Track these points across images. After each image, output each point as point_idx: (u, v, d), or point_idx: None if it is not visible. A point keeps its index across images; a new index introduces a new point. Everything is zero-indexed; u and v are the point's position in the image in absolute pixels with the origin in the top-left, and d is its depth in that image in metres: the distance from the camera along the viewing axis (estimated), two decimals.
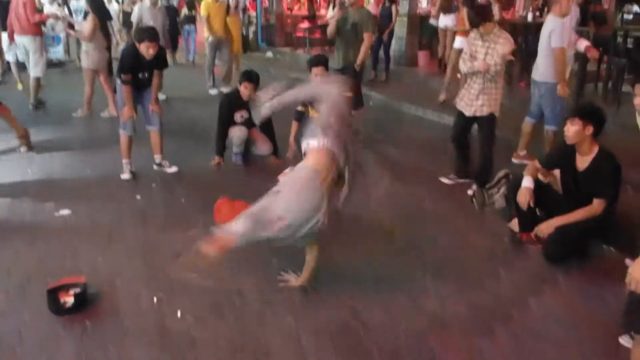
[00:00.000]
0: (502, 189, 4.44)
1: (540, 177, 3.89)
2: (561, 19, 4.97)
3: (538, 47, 5.32)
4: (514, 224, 4.04)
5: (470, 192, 4.81)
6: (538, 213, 3.88)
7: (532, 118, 5.57)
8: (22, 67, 9.25)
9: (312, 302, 3.21)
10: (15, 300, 3.19)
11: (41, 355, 2.71)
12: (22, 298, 3.21)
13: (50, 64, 10.99)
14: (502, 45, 4.52)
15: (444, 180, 5.12)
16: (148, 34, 4.82)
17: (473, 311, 3.14)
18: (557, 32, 4.96)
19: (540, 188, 3.80)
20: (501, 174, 4.63)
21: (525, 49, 9.06)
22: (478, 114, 4.72)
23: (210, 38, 9.08)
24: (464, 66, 4.73)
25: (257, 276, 3.47)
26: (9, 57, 9.38)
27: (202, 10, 9.15)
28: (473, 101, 4.71)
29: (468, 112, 4.77)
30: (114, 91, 6.24)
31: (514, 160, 5.60)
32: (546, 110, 5.34)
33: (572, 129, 3.57)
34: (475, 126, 4.91)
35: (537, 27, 9.39)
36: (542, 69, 5.24)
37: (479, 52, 4.63)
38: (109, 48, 8.16)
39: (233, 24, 9.76)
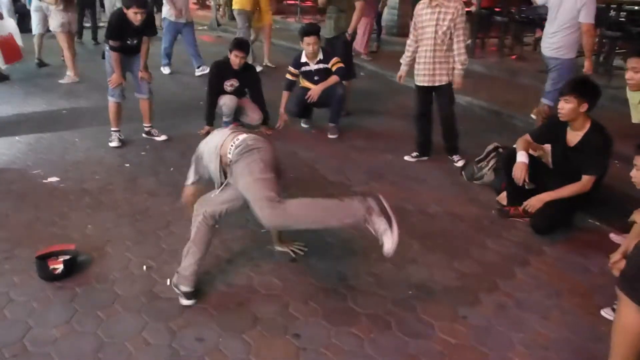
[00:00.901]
0: (492, 162, 4.46)
1: (530, 150, 3.90)
2: None
3: (551, 21, 5.12)
4: (502, 197, 4.08)
5: (457, 164, 4.83)
6: (527, 186, 3.91)
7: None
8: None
9: (301, 268, 3.25)
10: (4, 264, 3.20)
11: (30, 318, 2.72)
12: (10, 262, 3.21)
13: None
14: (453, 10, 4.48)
15: (407, 158, 5.07)
16: (136, 0, 4.72)
17: (460, 280, 3.19)
18: (589, 7, 4.82)
19: (530, 161, 3.82)
20: (490, 147, 4.64)
21: (519, 21, 9.02)
22: (437, 84, 4.69)
23: (237, 9, 8.34)
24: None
25: (246, 243, 3.49)
26: None
27: None
28: (429, 72, 4.67)
29: (426, 84, 4.73)
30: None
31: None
32: (548, 84, 5.28)
33: (566, 107, 3.54)
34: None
35: None
36: (559, 44, 5.05)
37: (427, 21, 4.57)
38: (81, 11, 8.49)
39: None
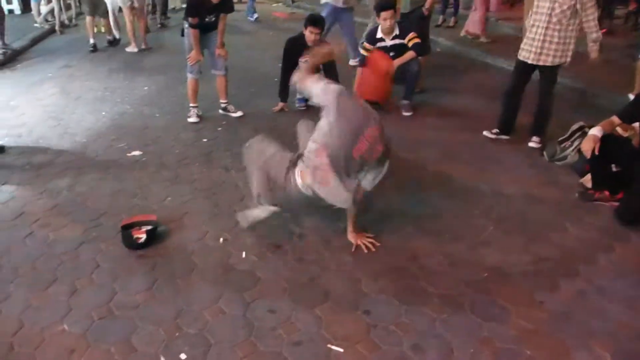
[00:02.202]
0: (576, 143, 4.23)
1: (619, 130, 3.67)
2: None
3: None
4: (587, 180, 3.86)
5: (532, 144, 4.62)
6: (614, 169, 3.69)
7: None
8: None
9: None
10: (91, 231, 3.39)
11: (115, 284, 2.88)
12: (97, 230, 3.41)
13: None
14: None
15: (487, 133, 4.90)
16: None
17: (537, 265, 3.07)
18: None
19: (617, 142, 3.59)
20: (575, 126, 4.40)
21: None
22: (541, 63, 4.41)
23: None
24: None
25: (317, 219, 3.51)
26: None
27: None
28: (537, 49, 4.38)
29: (530, 61, 4.45)
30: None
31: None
32: None
33: None
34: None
35: None
36: None
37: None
38: None
39: None
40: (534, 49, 4.40)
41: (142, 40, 8.60)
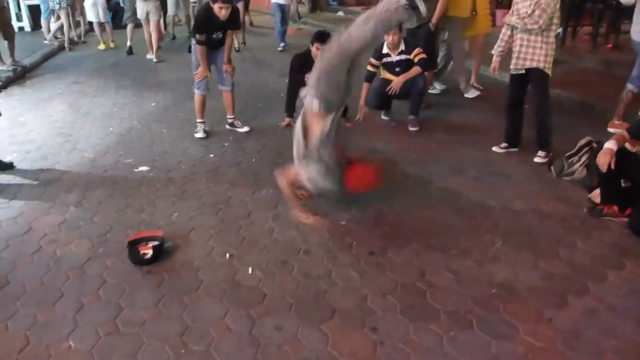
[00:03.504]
0: (584, 158, 4.21)
1: (627, 146, 3.64)
2: None
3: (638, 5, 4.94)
4: (595, 195, 3.83)
5: (537, 159, 4.61)
6: (623, 184, 3.66)
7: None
8: (102, 27, 9.74)
9: (379, 261, 3.22)
10: (98, 247, 3.40)
11: (122, 300, 2.88)
12: (104, 246, 3.41)
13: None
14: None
15: (496, 149, 4.91)
16: None
17: (546, 281, 3.04)
18: None
19: (626, 156, 3.56)
20: (583, 141, 4.38)
21: (616, 7, 8.42)
22: (527, 65, 4.47)
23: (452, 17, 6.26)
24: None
25: (325, 235, 3.50)
26: (91, 17, 9.79)
27: None
28: (519, 54, 4.48)
29: (517, 69, 4.55)
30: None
31: (610, 129, 5.22)
32: (635, 70, 5.07)
33: None
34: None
35: None
36: None
37: (524, 7, 4.37)
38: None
39: None
40: (515, 55, 4.52)
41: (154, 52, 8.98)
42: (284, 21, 9.77)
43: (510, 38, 4.61)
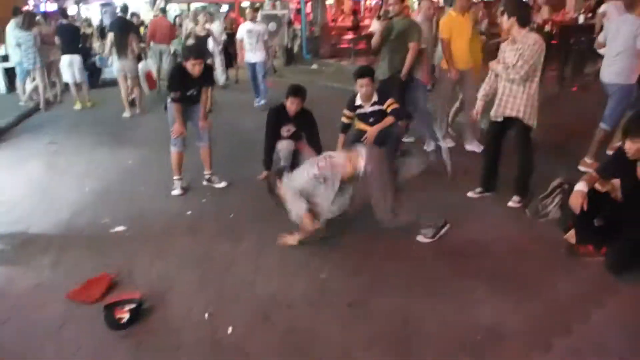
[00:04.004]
0: (557, 199, 4.29)
1: (597, 186, 3.72)
2: None
3: (610, 48, 5.17)
4: (571, 236, 3.88)
5: (511, 203, 4.67)
6: (596, 223, 3.72)
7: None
8: (78, 87, 9.81)
9: (362, 312, 3.18)
10: (74, 311, 3.30)
11: None
12: (80, 309, 3.32)
13: (105, 83, 11.64)
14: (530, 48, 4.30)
15: (471, 194, 4.97)
16: (194, 51, 4.94)
17: (530, 323, 3.03)
18: None
19: (597, 196, 3.63)
20: (555, 183, 4.46)
21: (578, 51, 8.80)
22: (507, 114, 4.51)
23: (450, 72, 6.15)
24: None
25: (306, 288, 3.47)
26: (67, 78, 9.86)
27: (443, 30, 6.11)
28: (500, 101, 4.55)
29: (497, 116, 4.61)
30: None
31: (581, 167, 5.36)
32: (607, 110, 5.25)
33: (633, 147, 3.40)
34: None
35: (589, 28, 9.13)
36: (618, 70, 5.08)
37: (509, 57, 4.46)
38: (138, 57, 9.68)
39: (475, 42, 6.38)
40: (497, 102, 4.59)
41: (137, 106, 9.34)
42: (254, 77, 9.56)
43: (494, 83, 4.68)
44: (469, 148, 6.46)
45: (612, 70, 5.18)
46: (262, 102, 9.50)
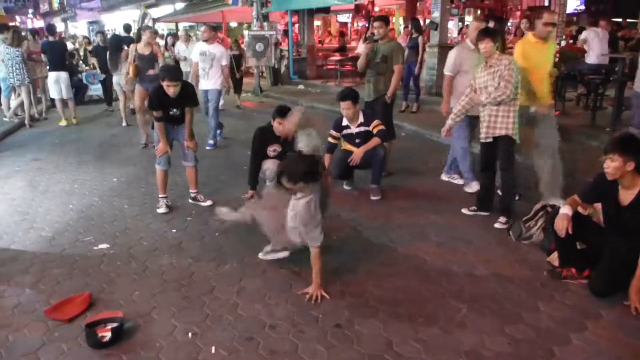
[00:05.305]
0: (540, 222, 4.34)
1: (579, 209, 3.78)
2: None
3: None
4: (554, 258, 3.93)
5: (497, 225, 4.73)
6: (579, 246, 3.77)
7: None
8: (64, 103, 9.77)
9: (345, 334, 3.17)
10: (54, 331, 3.25)
11: None
12: (60, 329, 3.27)
13: (90, 100, 11.63)
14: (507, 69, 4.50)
15: (465, 211, 5.07)
16: (169, 73, 4.95)
17: (512, 347, 3.04)
18: None
19: (580, 220, 3.68)
20: (538, 206, 4.53)
21: (559, 77, 8.96)
22: (497, 134, 4.68)
23: (532, 109, 5.03)
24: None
25: (290, 309, 3.45)
26: (53, 94, 9.83)
27: (518, 55, 4.99)
28: (489, 124, 4.70)
29: (487, 137, 4.75)
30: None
31: None
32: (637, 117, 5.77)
33: (612, 165, 3.43)
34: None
35: None
36: None
37: (487, 80, 4.63)
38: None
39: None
40: (485, 125, 4.74)
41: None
42: (207, 111, 8.03)
43: (468, 105, 4.85)
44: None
45: None
46: (211, 142, 8.02)
